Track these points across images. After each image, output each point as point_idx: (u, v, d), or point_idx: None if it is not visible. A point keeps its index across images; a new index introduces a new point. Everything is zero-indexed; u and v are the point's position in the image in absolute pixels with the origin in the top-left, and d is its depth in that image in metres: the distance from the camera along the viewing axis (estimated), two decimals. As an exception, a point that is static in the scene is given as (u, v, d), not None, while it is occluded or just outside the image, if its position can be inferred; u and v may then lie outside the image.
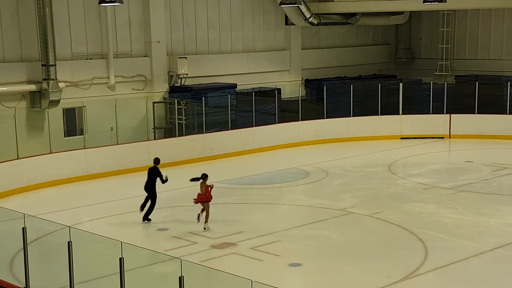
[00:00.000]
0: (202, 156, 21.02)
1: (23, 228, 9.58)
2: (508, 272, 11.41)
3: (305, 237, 13.37)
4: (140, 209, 14.17)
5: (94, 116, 20.49)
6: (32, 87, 19.32)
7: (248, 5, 25.25)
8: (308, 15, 25.49)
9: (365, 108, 24.98)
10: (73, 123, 20.48)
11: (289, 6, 24.59)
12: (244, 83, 24.30)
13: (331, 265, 11.83)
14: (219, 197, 16.56)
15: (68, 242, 9.02)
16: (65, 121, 20.23)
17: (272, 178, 18.86)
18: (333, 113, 24.29)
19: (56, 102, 19.45)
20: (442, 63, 28.51)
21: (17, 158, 17.49)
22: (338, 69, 28.24)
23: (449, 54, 28.68)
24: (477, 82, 24.60)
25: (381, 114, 24.56)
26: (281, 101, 24.44)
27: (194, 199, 13.75)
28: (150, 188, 14.27)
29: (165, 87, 22.58)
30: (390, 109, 24.79)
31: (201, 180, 13.68)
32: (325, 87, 24.60)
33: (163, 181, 14.34)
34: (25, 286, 9.58)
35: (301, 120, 23.72)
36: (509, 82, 24.30)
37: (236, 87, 23.52)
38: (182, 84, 22.77)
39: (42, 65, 19.22)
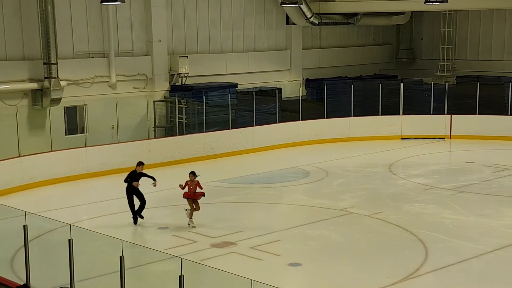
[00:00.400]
0: (203, 155, 21.03)
1: (24, 225, 9.60)
2: (508, 273, 11.41)
3: (305, 237, 13.38)
4: (135, 222, 13.93)
5: (95, 114, 20.51)
6: (34, 85, 19.35)
7: (249, 4, 25.26)
8: (309, 15, 25.50)
9: (365, 108, 24.98)
10: (74, 122, 20.51)
11: (290, 6, 24.59)
12: (244, 83, 24.31)
13: (331, 265, 11.84)
14: (219, 196, 16.59)
15: (69, 240, 9.04)
16: (66, 119, 20.26)
17: (272, 177, 18.87)
18: (333, 113, 24.30)
19: (58, 101, 19.48)
20: (443, 63, 28.50)
21: (18, 156, 17.52)
22: (339, 69, 28.24)
23: (450, 55, 28.67)
24: (478, 83, 24.59)
25: (381, 114, 24.57)
26: (282, 101, 24.45)
27: (195, 193, 13.70)
28: (134, 191, 13.84)
29: (166, 86, 22.60)
30: (390, 109, 24.79)
31: (195, 178, 13.64)
32: (325, 87, 24.61)
33: (153, 179, 13.96)
34: (25, 284, 9.60)
35: (302, 120, 23.73)
36: (510, 83, 24.29)
37: (237, 87, 23.53)
38: (183, 83, 22.79)
39: (44, 63, 19.25)
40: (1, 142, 17.96)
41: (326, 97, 24.38)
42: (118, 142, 19.85)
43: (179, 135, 21.51)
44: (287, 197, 17.17)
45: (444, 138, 24.33)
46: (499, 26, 27.85)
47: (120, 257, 8.27)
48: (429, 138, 24.20)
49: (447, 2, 22.91)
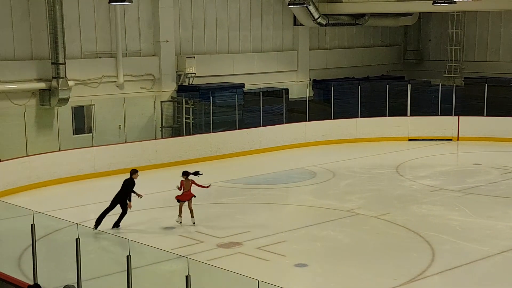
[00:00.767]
0: (209, 156, 21.06)
1: (31, 224, 9.64)
2: (515, 275, 11.38)
3: (311, 237, 13.38)
4: (115, 226, 13.59)
5: (102, 114, 20.56)
6: (42, 85, 19.44)
7: (256, 5, 25.28)
8: (316, 16, 25.48)
9: (372, 109, 24.94)
10: (81, 121, 20.58)
11: (298, 7, 24.60)
12: (251, 83, 24.33)
13: (337, 266, 11.83)
14: (226, 197, 16.61)
15: (76, 239, 9.07)
16: (73, 119, 20.33)
17: (278, 178, 18.87)
18: (340, 114, 24.27)
19: (65, 100, 19.56)
20: (451, 64, 28.40)
21: (26, 155, 17.60)
22: (346, 70, 28.21)
23: (458, 56, 28.58)
24: (486, 84, 24.50)
25: (389, 116, 24.51)
26: (289, 101, 24.44)
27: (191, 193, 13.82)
28: (123, 199, 13.60)
29: (173, 86, 22.64)
30: (398, 111, 24.73)
31: (195, 177, 13.78)
32: (332, 87, 24.58)
33: (138, 195, 13.64)
34: (37, 283, 9.62)
35: (309, 120, 23.71)
36: (518, 85, 24.23)
37: (244, 87, 23.54)
38: (190, 83, 22.82)
39: (52, 63, 19.33)
40: (9, 142, 18.05)
41: (333, 98, 24.36)
42: (125, 142, 19.91)
43: (186, 135, 21.54)
44: (293, 198, 17.16)
45: (451, 140, 24.25)
46: (507, 27, 27.74)
47: (127, 256, 8.29)
48: (436, 140, 24.12)
49: (455, 3, 22.83)
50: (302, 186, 18.01)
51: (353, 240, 13.25)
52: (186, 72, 22.54)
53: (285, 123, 23.32)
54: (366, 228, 13.96)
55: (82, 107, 20.50)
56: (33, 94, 19.51)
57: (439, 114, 24.59)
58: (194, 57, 22.79)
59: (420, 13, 29.12)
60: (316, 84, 26.81)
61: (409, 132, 24.38)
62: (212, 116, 21.28)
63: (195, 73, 22.71)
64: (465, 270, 11.50)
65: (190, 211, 13.95)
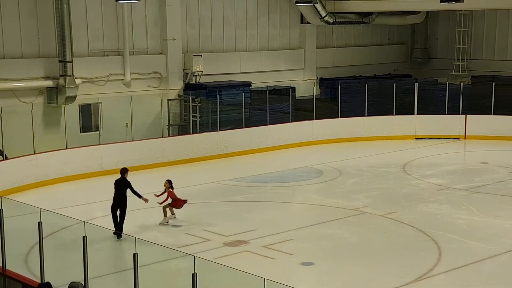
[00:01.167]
0: (216, 154, 21.07)
1: (39, 222, 9.69)
2: (522, 274, 11.33)
3: (317, 236, 13.37)
4: (118, 236, 12.83)
5: (109, 112, 20.61)
6: (49, 83, 19.51)
7: (263, 3, 25.26)
8: (323, 14, 25.44)
9: (379, 108, 24.88)
10: (88, 119, 20.65)
11: (305, 5, 24.56)
12: (258, 81, 24.32)
13: (344, 265, 11.82)
14: (232, 195, 16.63)
15: (83, 237, 9.10)
16: (81, 117, 20.40)
17: (285, 176, 18.86)
18: (347, 113, 24.23)
19: (73, 98, 19.63)
20: (458, 63, 28.30)
21: (34, 153, 17.66)
22: (353, 68, 28.16)
23: (466, 55, 28.46)
24: (493, 83, 24.38)
25: (395, 114, 24.45)
26: (296, 100, 24.42)
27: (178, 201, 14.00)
28: (121, 201, 13.25)
29: (180, 84, 22.67)
30: (405, 109, 24.67)
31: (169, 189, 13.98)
32: (339, 86, 24.55)
33: (138, 195, 13.23)
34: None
35: (315, 119, 23.69)
36: (526, 83, 24.10)
37: (251, 85, 23.55)
38: (197, 81, 22.84)
39: (59, 61, 19.39)
40: (16, 140, 18.11)
41: (340, 97, 24.32)
42: (132, 140, 19.95)
43: (193, 133, 21.57)
44: (300, 196, 17.16)
45: (458, 138, 24.16)
46: (515, 26, 27.61)
47: (134, 254, 8.32)
48: (443, 138, 24.04)
49: (463, 2, 22.73)
50: (308, 185, 18.00)
51: (359, 239, 13.24)
52: (193, 70, 22.57)
53: (292, 121, 23.31)
54: (373, 227, 13.94)
55: (89, 105, 20.56)
56: (40, 92, 19.58)
57: (446, 112, 24.50)
58: (201, 55, 22.81)
59: (427, 11, 29.01)
60: (323, 82, 26.78)
61: (416, 131, 24.32)
62: (219, 115, 21.29)
63: (202, 71, 22.73)
64: (471, 269, 11.47)
65: (164, 211, 14.00)
